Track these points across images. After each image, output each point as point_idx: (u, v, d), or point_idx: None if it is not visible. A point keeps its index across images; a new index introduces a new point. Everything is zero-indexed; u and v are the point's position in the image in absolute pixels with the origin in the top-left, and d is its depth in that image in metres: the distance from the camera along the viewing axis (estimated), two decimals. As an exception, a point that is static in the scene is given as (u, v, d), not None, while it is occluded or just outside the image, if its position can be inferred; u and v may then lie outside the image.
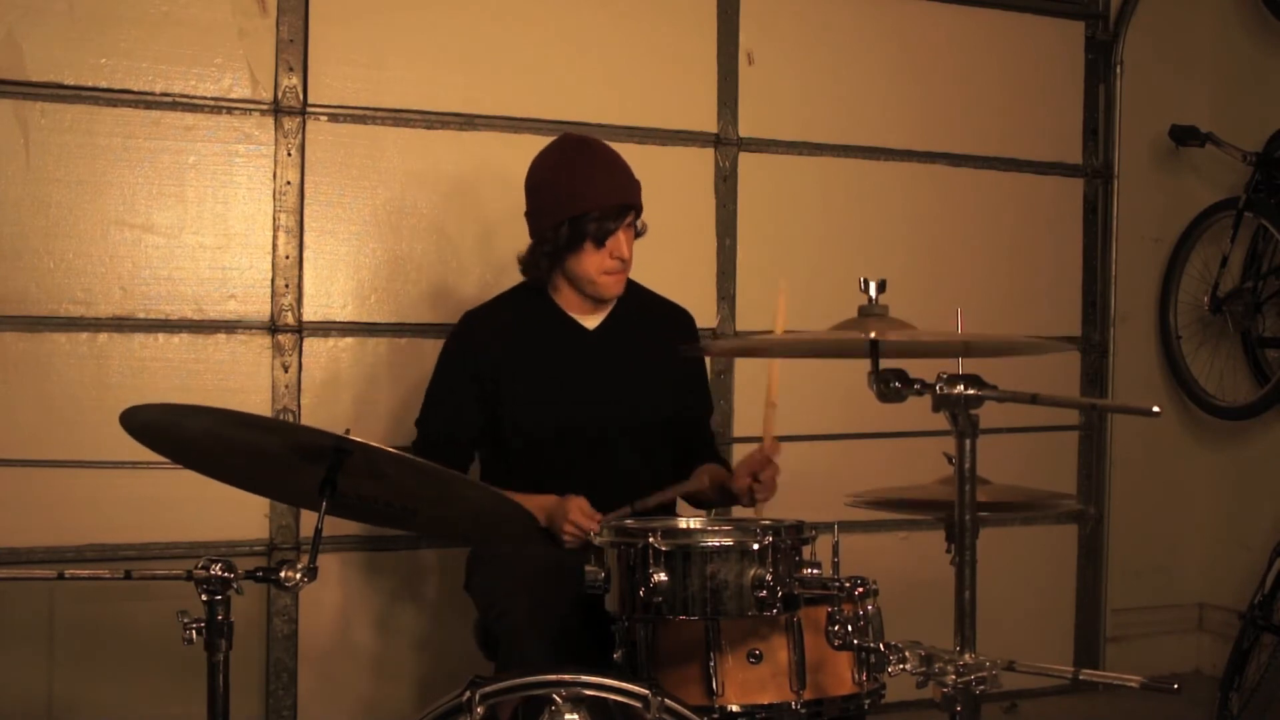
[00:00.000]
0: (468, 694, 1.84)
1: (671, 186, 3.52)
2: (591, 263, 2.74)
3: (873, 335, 1.85)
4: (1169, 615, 4.61)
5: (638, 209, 2.78)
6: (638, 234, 2.83)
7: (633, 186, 2.77)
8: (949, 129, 4.20)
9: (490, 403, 2.81)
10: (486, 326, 2.86)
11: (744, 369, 3.88)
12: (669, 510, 2.85)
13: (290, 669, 3.42)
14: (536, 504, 2.60)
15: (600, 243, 2.72)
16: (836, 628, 1.96)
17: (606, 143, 2.82)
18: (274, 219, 3.42)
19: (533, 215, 2.81)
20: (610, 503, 2.60)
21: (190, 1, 3.33)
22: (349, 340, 3.50)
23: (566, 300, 2.84)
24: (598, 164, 2.76)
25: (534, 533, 2.42)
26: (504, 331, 2.83)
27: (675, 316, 3.01)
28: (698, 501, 2.94)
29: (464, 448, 2.85)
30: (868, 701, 2.12)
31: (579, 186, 2.72)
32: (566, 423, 2.78)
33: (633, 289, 2.91)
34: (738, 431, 3.87)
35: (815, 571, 2.06)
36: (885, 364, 1.90)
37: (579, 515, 2.58)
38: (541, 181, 2.79)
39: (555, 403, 2.79)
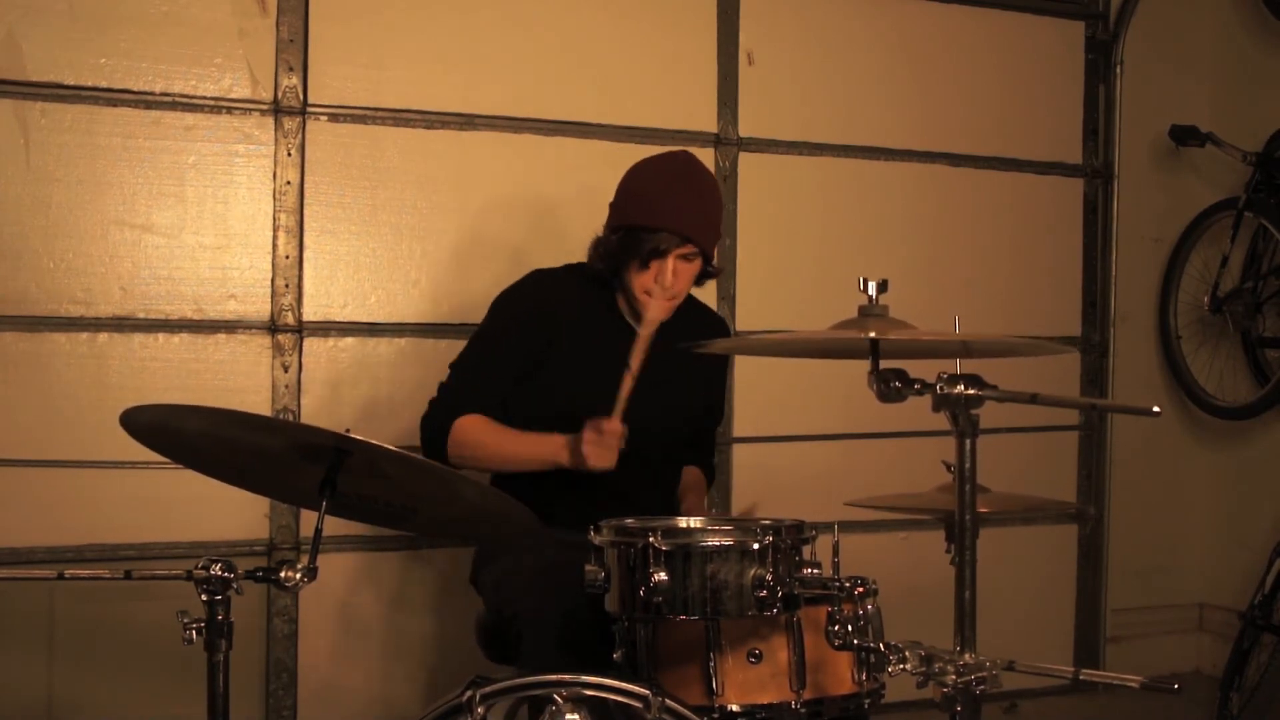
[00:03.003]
0: (468, 694, 1.84)
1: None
2: (636, 279, 2.69)
3: (872, 335, 1.85)
4: (1169, 615, 4.61)
5: (701, 247, 2.68)
6: (707, 275, 2.78)
7: (700, 224, 2.67)
8: (949, 129, 4.20)
9: (534, 365, 2.76)
10: (550, 291, 2.83)
11: (744, 369, 3.88)
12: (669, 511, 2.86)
13: (290, 669, 3.43)
14: (550, 443, 2.60)
15: (645, 263, 2.66)
16: (836, 628, 1.96)
17: (712, 174, 2.77)
18: (274, 219, 3.42)
19: (609, 213, 2.78)
20: (612, 503, 2.59)
21: (190, 1, 3.33)
22: (349, 340, 3.50)
23: (625, 303, 2.81)
24: (682, 189, 2.68)
25: (534, 532, 2.42)
26: (565, 303, 2.80)
27: (710, 323, 3.00)
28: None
29: (491, 396, 2.77)
30: (868, 701, 2.12)
31: (649, 201, 2.66)
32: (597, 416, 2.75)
33: None
34: (738, 432, 3.87)
35: (815, 571, 2.06)
36: (885, 364, 1.90)
37: (592, 429, 2.52)
38: (627, 183, 2.76)
39: (592, 396, 2.74)
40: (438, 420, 2.75)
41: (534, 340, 2.76)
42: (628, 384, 2.57)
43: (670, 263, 2.65)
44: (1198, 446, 4.62)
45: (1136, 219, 4.48)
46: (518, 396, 2.79)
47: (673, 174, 2.71)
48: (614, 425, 2.53)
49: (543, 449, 2.64)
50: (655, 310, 2.70)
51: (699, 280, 2.82)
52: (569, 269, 2.89)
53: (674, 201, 2.65)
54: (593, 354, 2.77)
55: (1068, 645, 4.40)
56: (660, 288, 2.67)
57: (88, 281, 3.27)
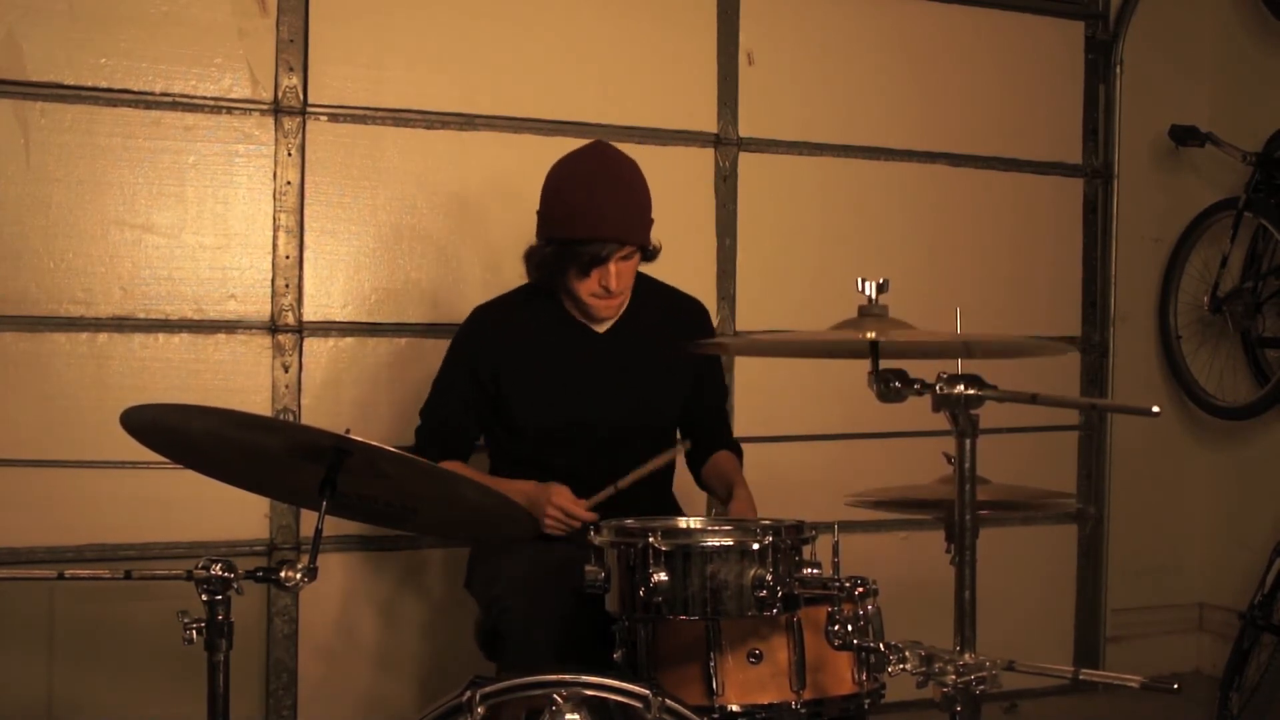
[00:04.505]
0: (468, 694, 1.84)
1: (671, 186, 3.52)
2: (581, 286, 2.70)
3: (872, 335, 1.85)
4: (1169, 615, 4.61)
5: (638, 244, 2.69)
6: (647, 258, 2.78)
7: (633, 224, 2.67)
8: (949, 129, 4.20)
9: (493, 400, 2.81)
10: (492, 325, 2.85)
11: (744, 369, 3.88)
12: (670, 510, 2.86)
13: (290, 669, 3.42)
14: (516, 489, 2.59)
15: (585, 271, 2.67)
16: (836, 628, 1.96)
17: (631, 160, 2.74)
18: (274, 219, 3.42)
19: (538, 221, 2.78)
20: (623, 496, 2.61)
21: (190, 1, 3.33)
22: (349, 340, 3.50)
23: (573, 307, 2.81)
24: (606, 191, 2.66)
25: (533, 532, 2.42)
26: (511, 330, 2.82)
27: (689, 309, 2.98)
28: (711, 489, 2.96)
29: (460, 440, 2.87)
30: (868, 701, 2.12)
31: (575, 211, 2.64)
32: (576, 420, 2.77)
33: (646, 284, 2.87)
34: (738, 432, 3.85)
35: (815, 571, 2.06)
36: (885, 364, 1.90)
37: (564, 501, 2.59)
38: (549, 192, 2.73)
39: (563, 401, 2.77)
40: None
41: (479, 380, 2.81)
42: (609, 492, 2.62)
43: (612, 267, 2.66)
44: (1198, 446, 4.62)
45: (1136, 219, 4.48)
46: (502, 419, 2.84)
47: (593, 175, 2.68)
48: (583, 512, 2.59)
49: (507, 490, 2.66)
50: (605, 311, 2.76)
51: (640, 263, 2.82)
52: (508, 295, 2.92)
53: (602, 207, 2.63)
54: (552, 363, 2.80)
55: (1068, 645, 4.40)
56: (605, 290, 2.69)
57: (88, 281, 3.27)
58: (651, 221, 2.76)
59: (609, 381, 2.80)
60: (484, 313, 2.90)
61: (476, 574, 2.81)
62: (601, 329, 2.83)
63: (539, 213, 2.77)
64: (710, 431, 3.00)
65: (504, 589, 2.57)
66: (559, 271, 2.71)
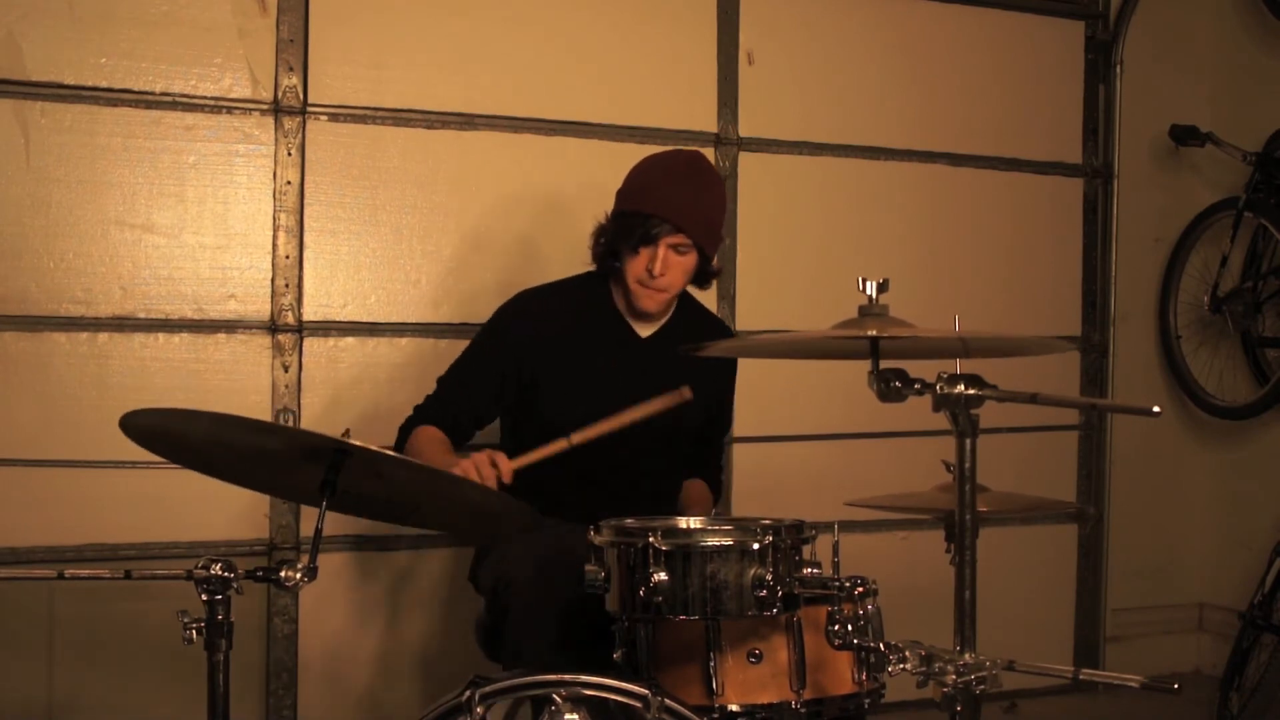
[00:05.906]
0: (468, 694, 1.84)
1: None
2: (629, 267, 2.71)
3: (872, 333, 1.85)
4: (1169, 615, 4.61)
5: (694, 239, 2.68)
6: (706, 275, 2.79)
7: (696, 217, 2.68)
8: (949, 129, 4.20)
9: (522, 387, 2.79)
10: (537, 310, 2.83)
11: (744, 369, 3.86)
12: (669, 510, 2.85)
13: (290, 669, 3.42)
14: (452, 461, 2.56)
15: (636, 248, 2.68)
16: (836, 627, 1.96)
17: (720, 177, 2.78)
18: (274, 219, 3.42)
19: (614, 198, 2.80)
20: (625, 505, 2.59)
21: (190, 1, 3.33)
22: (349, 340, 3.50)
23: (622, 302, 2.82)
24: (682, 181, 2.70)
25: (534, 531, 2.42)
26: (555, 320, 2.80)
27: (718, 333, 3.00)
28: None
29: (463, 419, 2.82)
30: (868, 701, 2.12)
31: (647, 188, 2.70)
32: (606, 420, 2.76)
33: (688, 301, 2.90)
34: (738, 431, 3.86)
35: (815, 571, 2.06)
36: (885, 364, 1.90)
37: (487, 458, 2.49)
38: (631, 172, 2.79)
39: (597, 400, 2.72)
40: (407, 423, 2.82)
41: (507, 366, 2.78)
42: (557, 447, 2.54)
43: (661, 250, 2.66)
44: (1198, 446, 4.62)
45: (1136, 219, 4.48)
46: (528, 408, 2.81)
47: (675, 166, 2.74)
48: (506, 469, 2.49)
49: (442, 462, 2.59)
50: (646, 301, 2.74)
51: (700, 281, 2.82)
52: (558, 284, 2.90)
53: (671, 191, 2.67)
54: (591, 360, 2.79)
55: (1068, 645, 4.40)
56: (649, 275, 2.68)
57: (88, 281, 3.27)
58: (721, 237, 2.78)
59: (645, 387, 2.75)
60: (530, 297, 2.88)
61: (481, 566, 2.79)
62: (646, 332, 2.83)
63: (616, 191, 2.79)
64: (701, 459, 3.01)
65: (508, 581, 2.56)
66: (616, 246, 2.73)
